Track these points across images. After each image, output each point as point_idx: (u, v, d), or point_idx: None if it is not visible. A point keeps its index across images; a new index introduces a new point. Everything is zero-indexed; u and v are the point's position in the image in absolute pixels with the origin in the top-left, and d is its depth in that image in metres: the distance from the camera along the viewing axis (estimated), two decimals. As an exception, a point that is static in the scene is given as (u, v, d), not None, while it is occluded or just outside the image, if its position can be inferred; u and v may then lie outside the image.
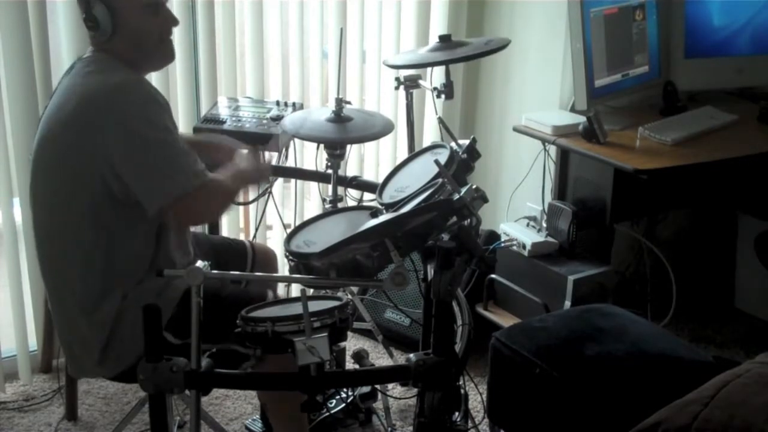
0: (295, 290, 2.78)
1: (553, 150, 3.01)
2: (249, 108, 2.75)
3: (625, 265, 3.36)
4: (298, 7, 3.15)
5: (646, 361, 2.19)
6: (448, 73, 2.63)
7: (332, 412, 2.56)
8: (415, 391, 1.83)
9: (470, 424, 2.34)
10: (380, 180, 2.23)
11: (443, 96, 2.64)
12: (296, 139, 2.80)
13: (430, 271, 1.73)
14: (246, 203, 3.06)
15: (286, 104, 2.76)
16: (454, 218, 1.77)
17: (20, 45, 2.59)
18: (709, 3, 3.17)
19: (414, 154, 2.28)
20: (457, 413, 1.98)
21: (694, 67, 3.18)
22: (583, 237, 2.89)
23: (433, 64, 2.65)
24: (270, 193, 2.80)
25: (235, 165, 2.20)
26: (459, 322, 2.18)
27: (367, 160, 3.43)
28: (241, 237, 3.17)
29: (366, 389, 2.58)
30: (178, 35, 2.17)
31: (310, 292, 2.18)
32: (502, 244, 2.98)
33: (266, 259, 2.49)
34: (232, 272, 2.17)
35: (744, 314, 3.44)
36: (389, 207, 1.99)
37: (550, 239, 2.91)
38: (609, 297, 2.81)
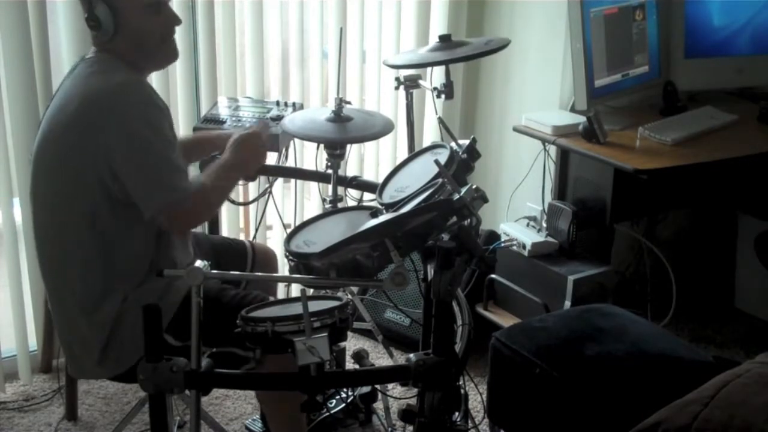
0: (295, 290, 2.78)
1: (553, 150, 3.01)
2: (249, 108, 2.75)
3: (625, 265, 3.36)
4: (298, 7, 3.15)
5: (646, 361, 2.19)
6: (448, 73, 2.63)
7: (332, 412, 2.56)
8: (415, 391, 1.83)
9: (470, 424, 2.34)
10: (380, 180, 2.23)
11: (443, 96, 2.64)
12: (296, 139, 2.80)
13: (430, 271, 1.73)
14: (246, 203, 3.06)
15: (286, 104, 2.76)
16: (454, 218, 1.77)
17: (20, 45, 2.59)
18: (709, 3, 3.17)
19: (414, 154, 2.28)
20: (457, 413, 1.97)
21: (694, 67, 3.18)
22: (583, 237, 2.89)
23: (433, 64, 2.65)
24: (270, 193, 2.80)
25: (224, 157, 2.19)
26: (459, 322, 2.17)
27: (367, 160, 3.43)
28: (241, 237, 3.17)
29: (366, 389, 2.58)
30: (178, 35, 2.16)
31: (310, 292, 2.18)
32: (502, 244, 2.98)
33: (266, 259, 2.49)
34: (232, 272, 2.17)
35: (744, 314, 3.44)
36: (389, 207, 1.99)
37: (550, 239, 2.91)
38: (609, 297, 2.81)
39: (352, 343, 3.08)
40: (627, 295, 3.19)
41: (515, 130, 3.02)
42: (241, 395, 2.82)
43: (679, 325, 3.28)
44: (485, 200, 1.79)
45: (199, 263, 1.67)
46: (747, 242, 3.27)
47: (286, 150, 2.73)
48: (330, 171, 2.62)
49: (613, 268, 2.94)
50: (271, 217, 3.11)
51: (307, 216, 2.76)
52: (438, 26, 3.33)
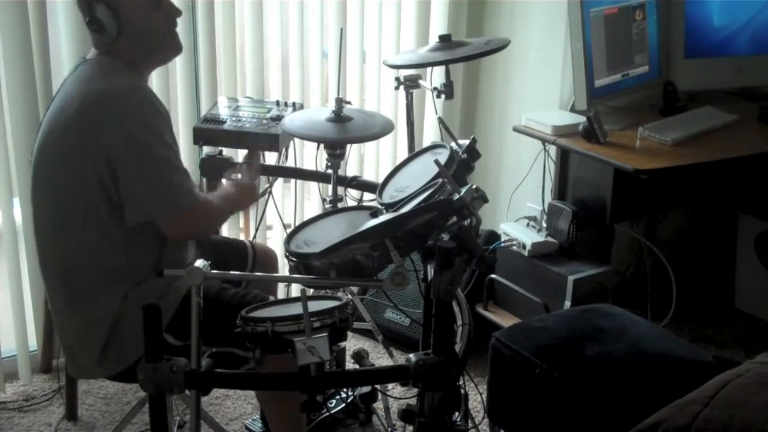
0: (295, 290, 2.78)
1: (553, 150, 3.01)
2: (249, 108, 2.75)
3: (625, 265, 3.36)
4: (298, 7, 3.15)
5: (646, 361, 2.19)
6: (448, 73, 2.63)
7: (332, 412, 2.56)
8: (415, 391, 1.83)
9: (470, 424, 2.34)
10: (380, 180, 2.23)
11: (443, 96, 2.64)
12: (296, 139, 2.80)
13: (430, 271, 1.73)
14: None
15: (286, 104, 2.76)
16: (454, 218, 1.77)
17: (20, 45, 2.59)
18: (709, 3, 3.17)
19: (414, 154, 2.28)
20: (457, 413, 1.97)
21: (694, 67, 3.18)
22: (583, 237, 2.89)
23: (433, 64, 2.65)
24: (270, 193, 2.80)
25: (225, 188, 2.25)
26: (459, 322, 2.17)
27: (367, 160, 3.43)
28: (241, 237, 3.17)
29: (366, 389, 2.58)
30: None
31: (310, 292, 2.18)
32: (502, 244, 2.98)
33: (266, 259, 2.49)
34: (232, 272, 2.17)
35: (744, 314, 3.44)
36: (389, 207, 1.99)
37: (550, 239, 2.91)
38: (609, 297, 2.81)
39: (352, 343, 3.08)
40: (627, 295, 3.19)
41: (515, 130, 3.02)
42: (241, 395, 2.82)
43: (679, 325, 3.28)
44: (485, 200, 1.79)
45: (199, 263, 1.67)
46: (747, 242, 3.27)
47: (286, 150, 2.73)
48: (330, 171, 2.62)
49: (613, 268, 2.94)
50: (271, 217, 3.11)
51: (307, 216, 2.76)
52: (438, 26, 3.33)
